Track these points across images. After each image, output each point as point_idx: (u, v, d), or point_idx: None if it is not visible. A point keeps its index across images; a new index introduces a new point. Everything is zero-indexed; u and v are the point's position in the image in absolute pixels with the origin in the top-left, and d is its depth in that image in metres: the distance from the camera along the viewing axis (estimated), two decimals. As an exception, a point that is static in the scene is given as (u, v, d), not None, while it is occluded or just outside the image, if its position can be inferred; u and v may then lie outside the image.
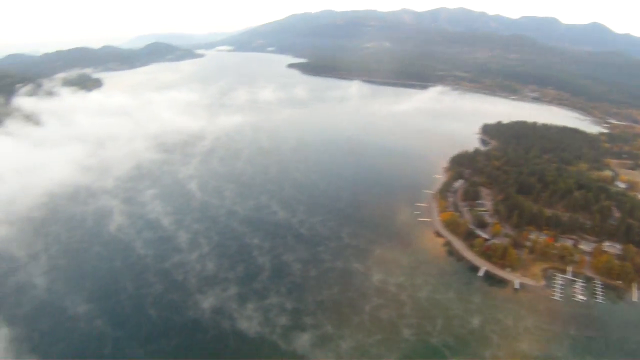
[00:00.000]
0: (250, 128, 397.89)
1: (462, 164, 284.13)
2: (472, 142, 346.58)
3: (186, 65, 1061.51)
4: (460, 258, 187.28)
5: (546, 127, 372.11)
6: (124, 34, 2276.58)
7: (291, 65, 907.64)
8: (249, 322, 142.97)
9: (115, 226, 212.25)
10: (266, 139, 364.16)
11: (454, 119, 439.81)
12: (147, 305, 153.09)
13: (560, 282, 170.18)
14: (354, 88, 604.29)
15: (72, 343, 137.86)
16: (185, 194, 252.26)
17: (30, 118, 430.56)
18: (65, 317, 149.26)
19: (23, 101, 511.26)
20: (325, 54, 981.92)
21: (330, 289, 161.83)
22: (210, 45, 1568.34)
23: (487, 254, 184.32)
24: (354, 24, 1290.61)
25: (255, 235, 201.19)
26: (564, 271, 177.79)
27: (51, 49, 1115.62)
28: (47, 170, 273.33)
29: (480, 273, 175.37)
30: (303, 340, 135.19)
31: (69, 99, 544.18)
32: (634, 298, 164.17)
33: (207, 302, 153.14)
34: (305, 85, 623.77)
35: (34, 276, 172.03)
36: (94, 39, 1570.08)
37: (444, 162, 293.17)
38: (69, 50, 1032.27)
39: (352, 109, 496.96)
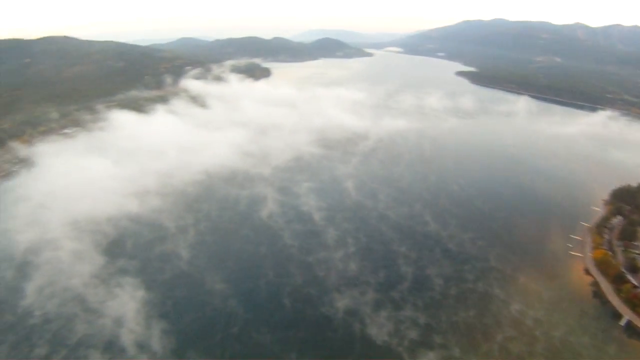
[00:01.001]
0: (414, 134, 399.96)
1: (622, 198, 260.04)
2: (636, 175, 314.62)
3: (355, 63, 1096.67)
4: (604, 301, 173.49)
5: None
6: (295, 27, 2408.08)
7: (459, 73, 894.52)
8: (379, 329, 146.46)
9: (266, 213, 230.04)
10: (428, 147, 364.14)
11: (620, 148, 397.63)
12: (284, 294, 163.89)
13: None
14: (522, 103, 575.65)
15: (202, 316, 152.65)
16: (340, 192, 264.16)
17: (196, 100, 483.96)
18: (201, 290, 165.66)
19: (191, 83, 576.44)
20: (494, 64, 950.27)
21: (466, 311, 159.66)
22: (380, 45, 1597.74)
23: (633, 302, 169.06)
24: (525, 35, 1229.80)
25: (403, 243, 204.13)
26: None
27: (222, 36, 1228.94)
28: (207, 151, 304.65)
29: (622, 322, 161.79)
30: (428, 359, 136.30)
31: (236, 85, 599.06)
32: None
33: (343, 302, 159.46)
34: (472, 95, 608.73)
35: (179, 247, 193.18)
36: (265, 29, 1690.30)
37: (605, 194, 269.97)
38: (240, 39, 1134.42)
39: (518, 125, 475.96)
